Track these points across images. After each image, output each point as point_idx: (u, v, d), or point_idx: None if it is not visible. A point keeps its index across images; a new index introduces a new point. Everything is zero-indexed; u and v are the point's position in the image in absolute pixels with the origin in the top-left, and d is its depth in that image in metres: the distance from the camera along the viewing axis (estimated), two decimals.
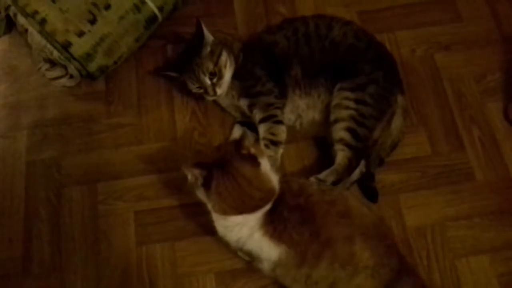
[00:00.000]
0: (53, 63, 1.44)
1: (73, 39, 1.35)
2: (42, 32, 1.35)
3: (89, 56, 1.37)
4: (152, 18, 1.44)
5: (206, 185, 1.06)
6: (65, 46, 1.35)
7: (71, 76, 1.45)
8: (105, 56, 1.40)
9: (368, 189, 1.32)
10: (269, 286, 1.25)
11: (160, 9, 1.44)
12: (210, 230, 1.29)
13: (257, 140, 1.34)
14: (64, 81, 1.47)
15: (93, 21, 1.36)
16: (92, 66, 1.40)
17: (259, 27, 1.57)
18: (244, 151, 1.05)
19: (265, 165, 1.07)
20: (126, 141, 1.42)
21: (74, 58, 1.37)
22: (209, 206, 1.09)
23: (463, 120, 1.43)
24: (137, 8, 1.40)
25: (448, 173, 1.36)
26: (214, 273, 1.27)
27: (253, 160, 1.05)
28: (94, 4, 1.36)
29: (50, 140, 1.43)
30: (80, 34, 1.35)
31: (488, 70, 1.49)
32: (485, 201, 1.33)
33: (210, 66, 1.32)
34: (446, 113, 1.44)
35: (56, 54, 1.38)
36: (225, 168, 1.04)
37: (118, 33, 1.39)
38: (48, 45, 1.37)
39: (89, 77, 1.44)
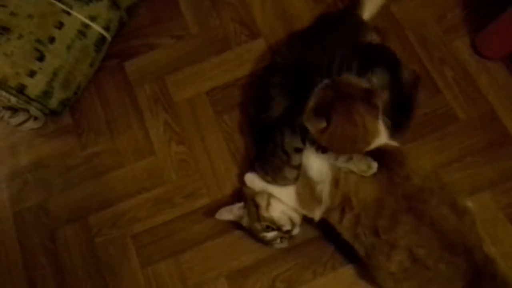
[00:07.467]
0: (14, 109, 1.41)
1: (26, 80, 1.31)
2: None
3: (46, 94, 1.34)
4: (101, 40, 1.41)
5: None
6: (20, 90, 1.31)
7: (36, 118, 1.42)
8: (63, 89, 1.37)
9: None
10: (281, 276, 1.24)
11: (106, 28, 1.40)
12: (209, 235, 1.29)
13: None
14: (30, 124, 1.43)
15: (41, 58, 1.32)
16: (53, 103, 1.36)
17: (211, 23, 1.52)
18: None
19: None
20: (106, 168, 1.40)
21: (32, 99, 1.34)
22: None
23: (433, 64, 1.40)
24: (82, 34, 1.36)
25: (430, 121, 1.34)
26: (224, 276, 1.26)
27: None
28: (38, 41, 1.31)
29: (31, 186, 1.40)
30: (32, 74, 1.31)
31: (447, 9, 1.46)
32: (473, 139, 1.32)
33: None
34: (415, 61, 1.41)
35: (13, 99, 1.34)
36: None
37: (70, 63, 1.36)
38: (4, 93, 1.33)
39: (53, 114, 1.41)
